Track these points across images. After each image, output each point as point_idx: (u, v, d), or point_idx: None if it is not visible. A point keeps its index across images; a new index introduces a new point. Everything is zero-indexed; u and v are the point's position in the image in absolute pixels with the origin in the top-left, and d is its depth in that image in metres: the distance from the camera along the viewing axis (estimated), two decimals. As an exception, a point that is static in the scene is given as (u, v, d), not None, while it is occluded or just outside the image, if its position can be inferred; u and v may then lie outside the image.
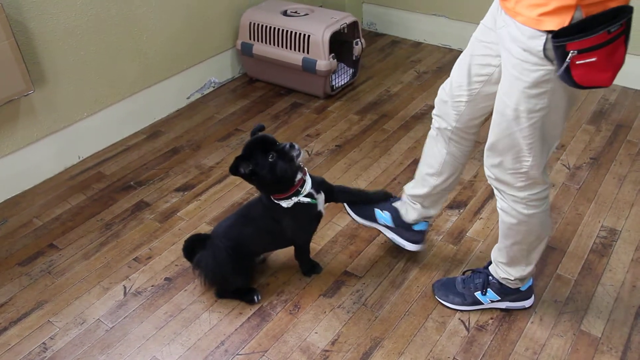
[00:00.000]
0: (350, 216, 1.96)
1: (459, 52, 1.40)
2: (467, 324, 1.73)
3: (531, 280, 1.74)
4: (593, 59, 1.15)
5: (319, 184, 1.73)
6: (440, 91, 1.66)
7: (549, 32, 1.17)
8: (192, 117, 2.84)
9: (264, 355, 1.66)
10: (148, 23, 2.63)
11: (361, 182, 2.32)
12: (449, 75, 1.62)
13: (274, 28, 2.85)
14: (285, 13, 2.91)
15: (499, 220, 1.57)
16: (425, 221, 1.88)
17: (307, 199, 1.67)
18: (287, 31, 2.82)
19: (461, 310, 1.76)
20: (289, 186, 1.64)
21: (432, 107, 1.72)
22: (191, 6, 2.79)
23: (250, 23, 2.93)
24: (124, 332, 1.75)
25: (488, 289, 1.72)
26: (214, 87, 3.08)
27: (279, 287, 1.88)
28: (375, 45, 3.48)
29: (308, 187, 1.67)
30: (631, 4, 1.18)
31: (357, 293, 1.85)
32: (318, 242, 2.04)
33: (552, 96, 1.27)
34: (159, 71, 2.77)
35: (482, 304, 1.75)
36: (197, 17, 2.84)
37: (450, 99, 1.60)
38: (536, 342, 1.67)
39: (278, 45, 2.88)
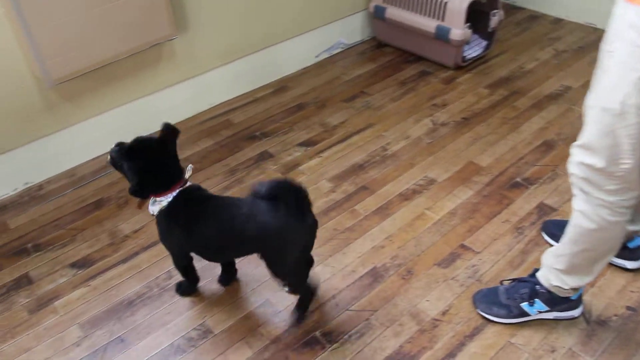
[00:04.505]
0: (551, 244, 1.87)
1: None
2: (587, 316, 1.65)
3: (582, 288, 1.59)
4: None
5: None
6: None
7: None
8: (319, 75, 2.87)
9: (373, 314, 1.68)
10: (288, -22, 2.67)
11: (486, 158, 2.25)
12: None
13: (411, -8, 2.80)
14: (423, -22, 2.84)
15: (572, 223, 1.42)
16: (639, 236, 1.75)
17: None
18: (423, -4, 2.75)
19: (505, 324, 1.64)
20: None
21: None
22: (330, -36, 2.80)
23: (386, -14, 2.89)
24: (242, 273, 1.83)
25: (536, 300, 1.59)
26: (342, 48, 3.08)
27: (394, 251, 1.88)
28: (512, 19, 3.32)
29: None
30: None
31: (472, 268, 1.81)
32: (437, 212, 2.01)
33: None
34: (291, 27, 2.81)
35: (529, 315, 1.62)
36: (334, -24, 2.85)
37: None
38: (664, 346, 1.56)
39: (412, 10, 2.82)
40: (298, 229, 1.48)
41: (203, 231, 1.53)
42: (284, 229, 1.46)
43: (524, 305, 1.61)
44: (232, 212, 1.53)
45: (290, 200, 1.43)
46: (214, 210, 1.54)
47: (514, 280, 1.67)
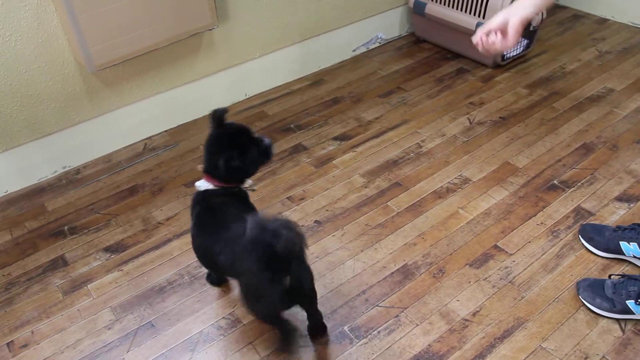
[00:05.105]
0: (587, 248, 1.84)
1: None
2: (622, 325, 1.61)
3: None
4: None
5: None
6: None
7: None
8: (356, 70, 2.86)
9: (403, 311, 1.67)
10: (328, -29, 2.66)
11: (522, 158, 2.21)
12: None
13: (452, -12, 2.76)
14: (465, -26, 2.80)
15: None
16: None
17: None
18: (464, -7, 2.71)
19: (608, 317, 1.63)
20: None
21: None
22: (371, -42, 2.78)
23: (427, -19, 2.86)
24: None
25: None
26: (379, 43, 3.06)
27: (426, 249, 1.86)
28: (554, 18, 3.25)
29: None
30: None
31: (505, 269, 1.78)
32: (470, 212, 1.99)
33: None
34: (329, 21, 2.80)
35: (635, 314, 1.59)
36: (375, -30, 2.83)
37: None
38: (703, 359, 1.51)
39: (453, 7, 2.78)
40: (266, 283, 1.34)
41: (196, 238, 1.55)
42: (251, 275, 1.36)
43: (631, 302, 1.59)
44: (222, 232, 1.45)
45: (263, 247, 1.27)
46: (212, 223, 1.48)
47: (623, 276, 1.65)
